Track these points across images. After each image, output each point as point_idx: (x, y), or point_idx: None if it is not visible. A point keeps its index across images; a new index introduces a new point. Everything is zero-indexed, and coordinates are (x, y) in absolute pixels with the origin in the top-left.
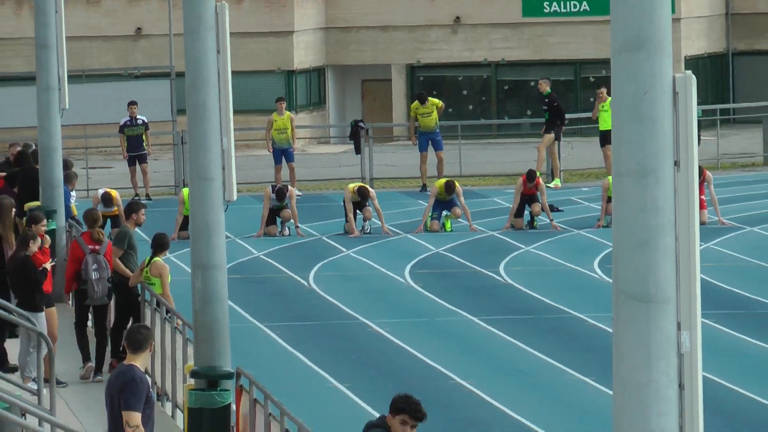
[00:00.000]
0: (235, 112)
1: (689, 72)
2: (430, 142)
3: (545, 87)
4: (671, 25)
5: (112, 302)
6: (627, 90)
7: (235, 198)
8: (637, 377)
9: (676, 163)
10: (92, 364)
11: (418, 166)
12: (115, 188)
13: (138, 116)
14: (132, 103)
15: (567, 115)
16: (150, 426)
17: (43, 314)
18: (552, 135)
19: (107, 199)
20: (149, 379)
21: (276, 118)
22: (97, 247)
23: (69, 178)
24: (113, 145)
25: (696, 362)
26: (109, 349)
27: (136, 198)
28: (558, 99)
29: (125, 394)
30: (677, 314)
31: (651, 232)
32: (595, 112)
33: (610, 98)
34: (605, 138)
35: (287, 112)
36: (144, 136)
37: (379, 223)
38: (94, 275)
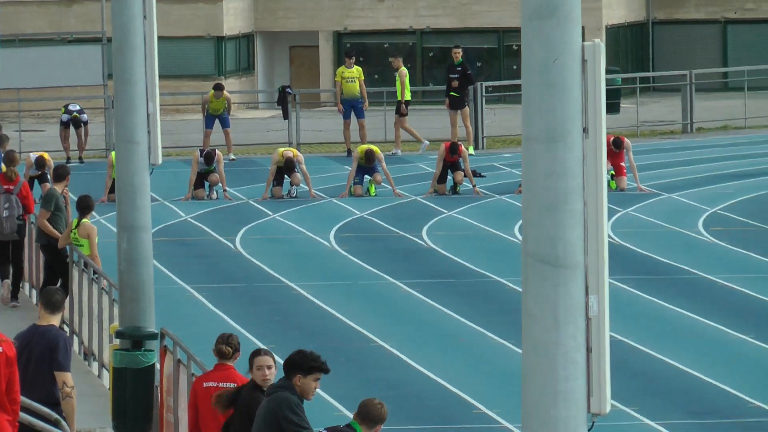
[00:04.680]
0: (166, 77)
1: (598, 40)
2: (352, 109)
3: (459, 56)
4: None
5: (42, 262)
6: (537, 57)
7: (160, 161)
8: (546, 340)
9: (585, 130)
10: (8, 280)
11: (343, 132)
12: (46, 151)
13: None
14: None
15: (491, 83)
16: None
17: None
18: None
19: (40, 163)
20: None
21: (212, 99)
22: (11, 186)
23: (0, 141)
24: (45, 108)
25: (603, 326)
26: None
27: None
28: (470, 67)
29: (56, 354)
30: (585, 279)
31: (560, 195)
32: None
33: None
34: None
35: (225, 94)
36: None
37: (306, 187)
38: (4, 213)
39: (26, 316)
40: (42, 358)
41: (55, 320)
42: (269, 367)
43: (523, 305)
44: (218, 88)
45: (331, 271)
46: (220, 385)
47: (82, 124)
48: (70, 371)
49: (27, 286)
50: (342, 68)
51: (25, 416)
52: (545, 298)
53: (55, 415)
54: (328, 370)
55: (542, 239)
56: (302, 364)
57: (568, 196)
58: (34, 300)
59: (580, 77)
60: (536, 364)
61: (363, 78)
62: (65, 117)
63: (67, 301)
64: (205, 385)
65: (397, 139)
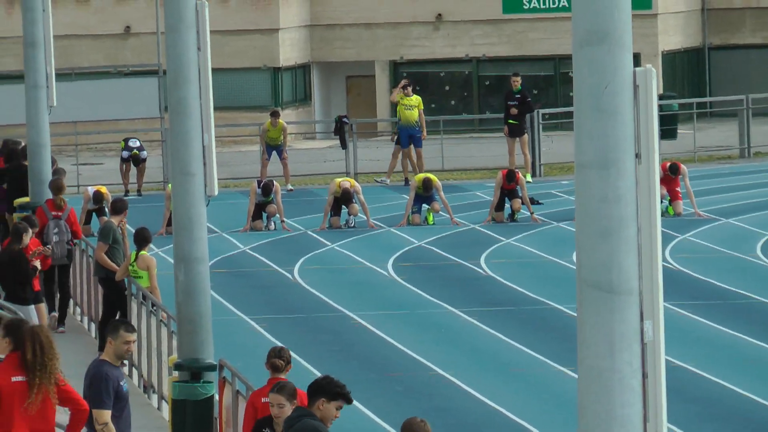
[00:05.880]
0: (223, 108)
1: (650, 66)
2: (410, 138)
3: (518, 83)
4: (631, 19)
5: (100, 296)
6: (588, 83)
7: (216, 193)
8: (601, 367)
9: (638, 156)
10: (56, 314)
11: (401, 161)
12: (104, 184)
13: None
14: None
15: (547, 110)
16: (126, 418)
17: (32, 307)
18: (526, 134)
19: (98, 198)
20: (123, 372)
21: (269, 127)
22: (59, 213)
23: (57, 174)
24: (103, 141)
25: (659, 352)
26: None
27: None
28: (528, 95)
29: (92, 390)
30: (640, 304)
31: (614, 222)
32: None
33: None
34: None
35: (280, 122)
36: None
37: (364, 217)
38: (54, 238)
39: (74, 343)
40: (88, 393)
41: (107, 354)
42: (281, 406)
43: (578, 332)
44: (274, 114)
45: (389, 301)
46: None
47: (141, 161)
48: (105, 408)
49: (86, 319)
50: (401, 95)
51: None
52: (600, 325)
53: None
54: (351, 400)
55: (596, 265)
56: (328, 388)
57: (621, 222)
58: (93, 333)
59: (632, 103)
60: (592, 390)
61: (423, 107)
62: (125, 153)
63: None
64: (263, 400)
65: (391, 170)
